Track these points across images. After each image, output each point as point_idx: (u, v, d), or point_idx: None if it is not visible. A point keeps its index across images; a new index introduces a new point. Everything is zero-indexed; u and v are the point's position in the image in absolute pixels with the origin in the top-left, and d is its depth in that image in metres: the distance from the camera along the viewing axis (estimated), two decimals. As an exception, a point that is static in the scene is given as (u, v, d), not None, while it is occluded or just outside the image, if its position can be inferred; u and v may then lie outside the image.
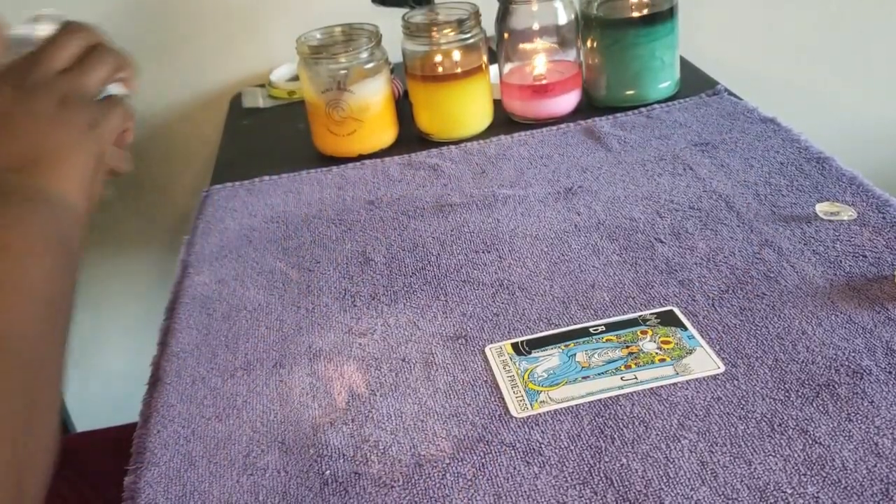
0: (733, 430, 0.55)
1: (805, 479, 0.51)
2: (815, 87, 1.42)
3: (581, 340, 0.65)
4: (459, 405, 0.61)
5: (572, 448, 0.56)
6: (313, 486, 0.56)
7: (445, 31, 0.97)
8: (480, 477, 0.55)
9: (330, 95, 0.97)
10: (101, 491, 0.85)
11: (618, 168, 0.90)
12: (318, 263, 0.81)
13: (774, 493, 0.51)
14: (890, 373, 0.58)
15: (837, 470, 0.52)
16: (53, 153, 0.47)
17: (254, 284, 0.79)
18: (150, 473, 0.59)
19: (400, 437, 0.59)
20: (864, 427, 0.54)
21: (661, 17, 0.98)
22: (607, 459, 0.55)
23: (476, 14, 0.98)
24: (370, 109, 0.98)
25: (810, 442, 0.54)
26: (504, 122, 1.04)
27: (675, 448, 0.55)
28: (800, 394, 0.57)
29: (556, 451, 0.56)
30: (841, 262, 0.70)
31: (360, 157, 1.00)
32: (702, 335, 0.64)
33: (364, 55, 0.97)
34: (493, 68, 1.05)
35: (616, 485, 0.53)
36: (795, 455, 0.53)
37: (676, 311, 0.67)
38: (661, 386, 0.60)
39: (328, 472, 0.57)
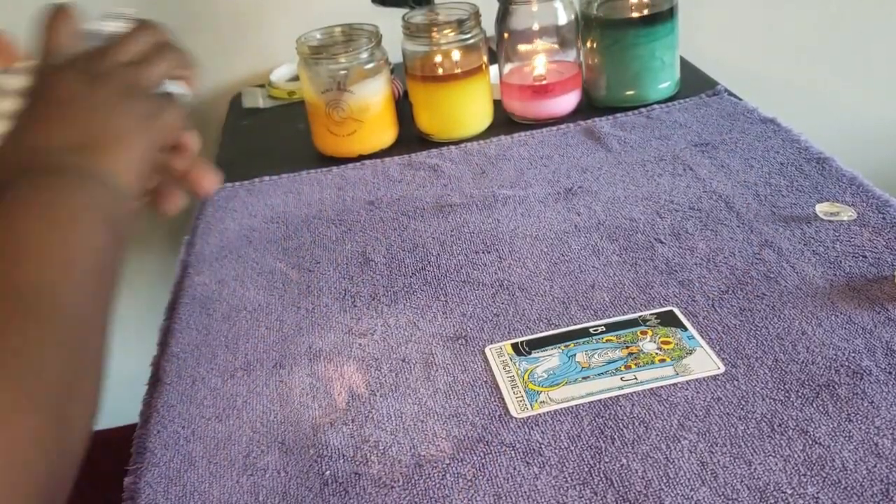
0: (733, 430, 0.55)
1: (805, 480, 0.51)
2: (815, 87, 1.42)
3: (581, 341, 0.65)
4: (459, 405, 0.61)
5: (572, 448, 0.56)
6: (313, 486, 0.56)
7: (445, 32, 0.97)
8: (480, 477, 0.55)
9: (330, 96, 0.97)
10: (101, 491, 0.85)
11: (618, 168, 0.90)
12: (318, 264, 0.81)
13: (774, 493, 0.51)
14: (890, 373, 0.58)
15: (837, 470, 0.52)
16: (111, 138, 0.49)
17: (254, 285, 0.79)
18: (150, 474, 0.59)
19: (400, 438, 0.59)
20: (864, 427, 0.54)
21: (661, 17, 0.98)
22: (607, 460, 0.55)
23: (476, 14, 0.98)
24: (370, 110, 0.98)
25: (810, 442, 0.54)
26: (504, 122, 1.04)
27: (675, 448, 0.55)
28: (800, 394, 0.57)
29: (556, 451, 0.56)
30: (841, 262, 0.70)
31: (360, 158, 1.00)
32: (702, 335, 0.64)
33: (364, 55, 0.97)
34: (493, 68, 1.05)
35: (616, 485, 0.53)
36: (795, 455, 0.53)
37: (676, 311, 0.67)
38: (661, 386, 0.60)
39: (328, 472, 0.57)
